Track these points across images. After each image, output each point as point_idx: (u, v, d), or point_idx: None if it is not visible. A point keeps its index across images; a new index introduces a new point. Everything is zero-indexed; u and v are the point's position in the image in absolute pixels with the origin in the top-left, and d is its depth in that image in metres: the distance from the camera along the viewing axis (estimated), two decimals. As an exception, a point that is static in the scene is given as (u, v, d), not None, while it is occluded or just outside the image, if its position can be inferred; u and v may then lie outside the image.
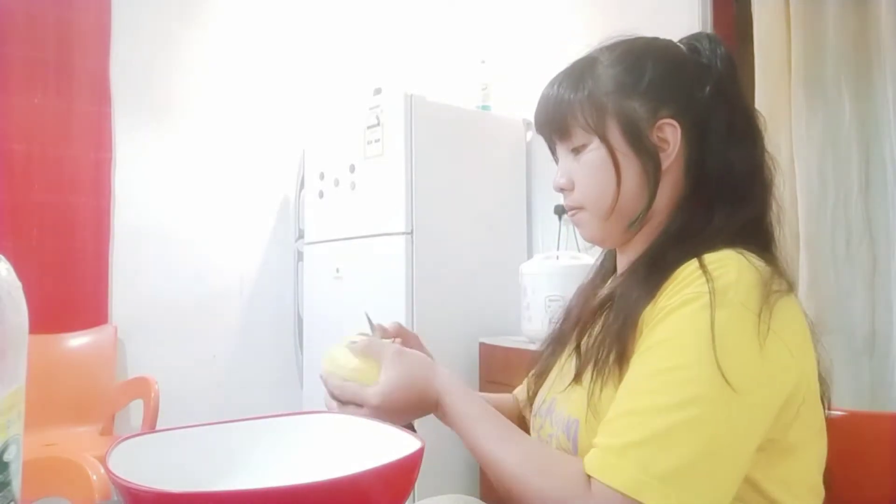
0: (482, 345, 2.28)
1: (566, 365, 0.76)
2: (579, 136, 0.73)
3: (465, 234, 2.40)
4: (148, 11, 2.81)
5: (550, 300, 1.98)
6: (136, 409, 2.41)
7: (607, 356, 0.66)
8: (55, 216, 2.55)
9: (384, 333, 0.86)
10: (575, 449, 0.68)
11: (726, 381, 0.56)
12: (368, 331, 0.85)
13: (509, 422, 0.69)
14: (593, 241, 0.78)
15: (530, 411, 0.84)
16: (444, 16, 3.13)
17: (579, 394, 0.69)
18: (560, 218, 2.42)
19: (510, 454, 0.65)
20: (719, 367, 0.57)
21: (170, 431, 0.63)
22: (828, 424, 0.69)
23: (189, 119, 2.93)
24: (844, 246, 1.68)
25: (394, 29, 3.24)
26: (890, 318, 1.61)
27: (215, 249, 2.96)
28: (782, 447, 0.62)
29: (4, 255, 0.45)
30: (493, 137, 2.54)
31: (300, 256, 2.97)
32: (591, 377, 0.66)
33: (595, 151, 0.72)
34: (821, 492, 0.67)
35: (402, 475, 0.53)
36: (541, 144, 0.82)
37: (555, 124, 0.76)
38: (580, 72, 0.74)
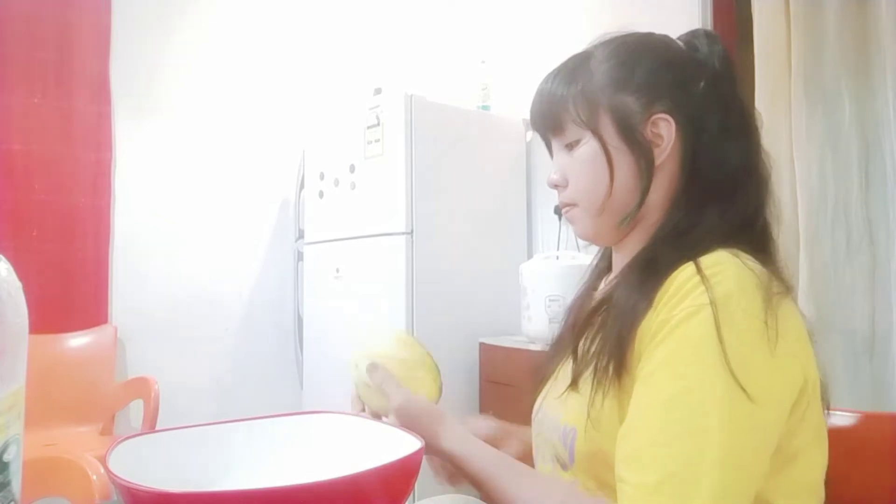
0: (482, 345, 2.28)
1: (562, 370, 0.75)
2: (573, 132, 0.73)
3: (465, 234, 2.40)
4: (148, 11, 2.81)
5: (550, 300, 1.98)
6: (136, 409, 2.41)
7: (606, 366, 0.64)
8: (55, 216, 2.55)
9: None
10: (571, 458, 0.67)
11: (745, 392, 0.55)
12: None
13: (527, 466, 0.69)
14: (586, 238, 0.77)
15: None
16: (444, 16, 3.13)
17: (576, 400, 0.67)
18: (560, 218, 2.42)
19: (533, 497, 0.64)
20: (736, 379, 0.55)
21: (170, 431, 0.63)
22: (828, 425, 0.68)
23: (189, 119, 2.92)
24: (844, 246, 1.68)
25: (394, 29, 3.24)
26: (890, 318, 1.61)
27: (215, 249, 2.96)
28: (787, 454, 0.61)
29: (4, 255, 0.45)
30: (493, 137, 2.54)
31: (300, 256, 2.97)
32: (592, 386, 0.65)
33: (588, 146, 0.72)
34: (822, 495, 0.66)
35: (402, 475, 0.53)
36: (541, 144, 0.82)
37: (548, 120, 0.75)
38: (574, 67, 0.74)
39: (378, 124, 2.35)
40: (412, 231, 2.25)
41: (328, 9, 3.26)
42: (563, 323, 0.85)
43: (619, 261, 0.77)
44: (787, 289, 0.63)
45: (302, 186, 2.90)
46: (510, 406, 0.94)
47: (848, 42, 1.69)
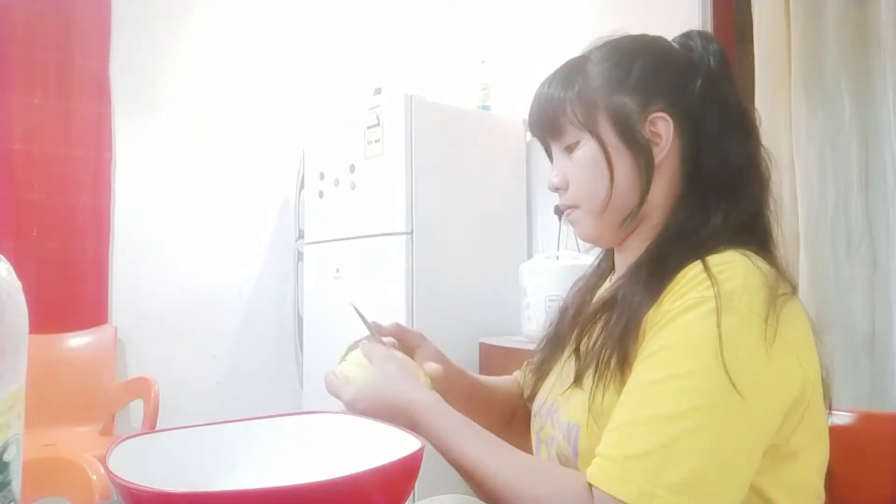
0: (482, 345, 2.28)
1: (566, 366, 0.75)
2: (571, 134, 0.73)
3: (465, 234, 2.40)
4: (148, 11, 2.81)
5: (550, 300, 1.98)
6: (136, 409, 2.41)
7: (609, 360, 0.64)
8: (55, 216, 2.55)
9: (380, 330, 0.85)
10: (575, 454, 0.67)
11: (734, 387, 0.55)
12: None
13: (499, 439, 0.66)
14: (589, 240, 0.77)
15: (531, 408, 0.83)
16: (444, 16, 3.13)
17: (580, 397, 0.68)
18: (560, 218, 2.41)
19: (502, 465, 0.62)
20: (727, 373, 0.56)
21: (170, 431, 0.63)
22: (829, 425, 0.68)
23: (189, 119, 2.92)
24: (844, 246, 1.68)
25: (394, 29, 3.24)
26: (890, 318, 1.61)
27: (215, 249, 2.96)
28: (786, 452, 0.62)
29: (4, 255, 0.45)
30: (493, 137, 2.54)
31: (300, 256, 2.97)
32: (593, 381, 0.65)
33: (587, 147, 0.72)
34: (821, 495, 0.66)
35: (402, 475, 0.53)
36: (540, 145, 0.82)
37: (547, 123, 0.76)
38: (570, 71, 0.75)
39: (378, 124, 2.35)
40: (412, 231, 2.25)
41: (328, 9, 3.26)
42: (559, 319, 0.85)
43: (623, 261, 0.78)
44: (793, 289, 0.64)
45: (302, 186, 2.90)
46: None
47: (848, 42, 1.69)
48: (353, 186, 2.48)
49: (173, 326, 2.81)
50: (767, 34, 1.80)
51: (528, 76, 2.56)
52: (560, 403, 0.73)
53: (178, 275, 2.85)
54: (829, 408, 0.69)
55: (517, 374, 0.95)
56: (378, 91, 2.42)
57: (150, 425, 2.10)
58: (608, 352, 0.65)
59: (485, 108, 2.63)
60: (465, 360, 2.28)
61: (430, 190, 2.28)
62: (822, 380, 0.67)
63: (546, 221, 2.56)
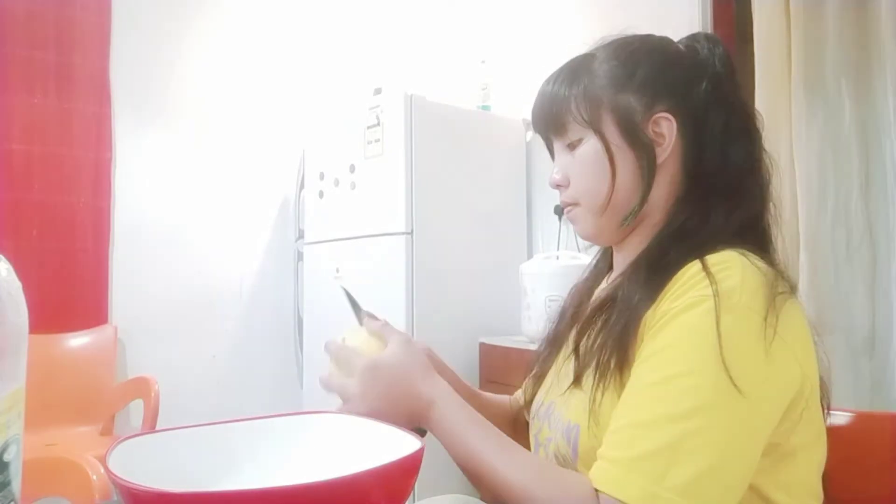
0: (482, 345, 2.28)
1: (564, 367, 0.75)
2: (574, 131, 0.73)
3: (465, 234, 2.40)
4: (148, 11, 2.81)
5: (550, 300, 1.98)
6: (136, 409, 2.41)
7: (608, 361, 0.64)
8: (55, 216, 2.55)
9: (373, 319, 0.84)
10: (575, 455, 0.67)
11: (735, 385, 0.55)
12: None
13: (506, 436, 0.67)
14: (588, 238, 0.77)
15: (529, 413, 0.83)
16: (444, 16, 3.13)
17: (579, 398, 0.68)
18: (560, 218, 2.42)
19: (511, 465, 0.63)
20: (727, 372, 0.56)
21: (170, 431, 0.63)
22: (828, 425, 0.68)
23: (189, 119, 2.92)
24: (844, 246, 1.68)
25: (394, 29, 3.24)
26: (890, 318, 1.61)
27: (215, 249, 2.96)
28: (784, 451, 0.62)
29: (4, 255, 0.45)
30: (493, 137, 2.54)
31: (300, 256, 2.97)
32: (593, 382, 0.65)
33: (590, 145, 0.72)
34: (820, 494, 0.66)
35: (402, 475, 0.53)
36: (541, 145, 0.82)
37: (550, 120, 0.75)
38: (575, 68, 0.74)
39: (378, 124, 2.35)
40: (412, 231, 2.25)
41: (328, 9, 3.26)
42: (558, 319, 0.85)
43: (621, 260, 0.77)
44: (792, 289, 0.64)
45: (302, 186, 2.90)
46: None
47: (848, 42, 1.69)
48: (353, 186, 2.48)
49: (173, 326, 2.81)
50: (767, 34, 1.80)
51: (528, 76, 2.56)
52: (558, 404, 0.73)
53: (178, 275, 2.85)
54: (829, 407, 0.69)
55: (516, 393, 0.94)
56: (378, 91, 2.42)
57: (150, 425, 2.10)
58: (608, 352, 0.65)
59: (485, 108, 2.63)
60: (465, 360, 2.28)
61: (430, 190, 2.28)
62: (821, 379, 0.67)
63: (546, 221, 2.56)
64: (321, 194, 2.68)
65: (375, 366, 0.72)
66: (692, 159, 0.71)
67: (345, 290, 0.86)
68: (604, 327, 0.68)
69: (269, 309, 3.08)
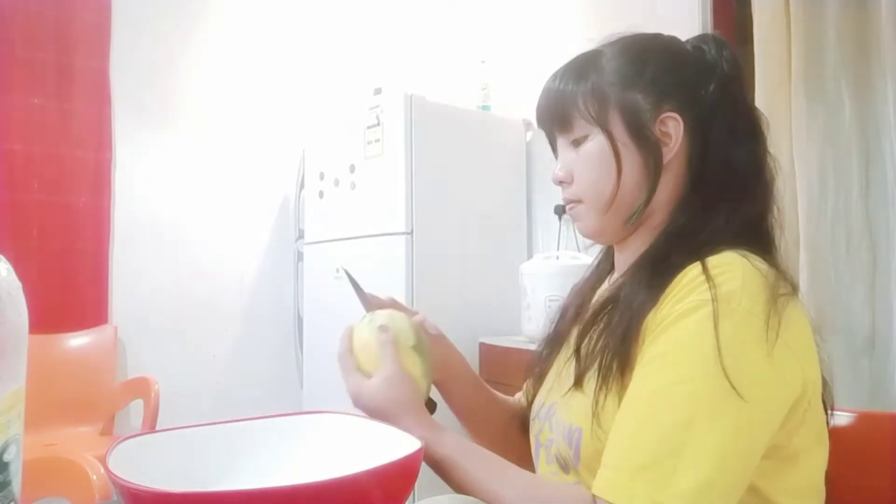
0: (482, 345, 2.28)
1: (565, 368, 0.74)
2: (581, 127, 0.72)
3: (465, 234, 2.40)
4: (148, 11, 2.81)
5: (550, 300, 1.98)
6: (136, 409, 2.41)
7: (610, 363, 0.64)
8: (55, 216, 2.55)
9: (377, 302, 0.84)
10: (577, 458, 0.67)
11: (735, 390, 0.55)
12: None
13: (499, 457, 0.67)
14: (590, 236, 0.77)
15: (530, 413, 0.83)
16: (444, 16, 3.13)
17: (581, 400, 0.67)
18: (560, 218, 2.42)
19: (503, 488, 0.63)
20: (727, 377, 0.55)
21: (170, 431, 0.63)
22: (828, 425, 0.68)
23: (189, 119, 2.93)
24: (844, 246, 1.68)
25: (394, 29, 3.24)
26: (890, 318, 1.61)
27: (215, 249, 2.96)
28: (786, 453, 0.61)
29: (4, 255, 0.45)
30: (493, 137, 2.54)
31: (300, 256, 2.97)
32: (595, 385, 0.65)
33: (596, 142, 0.71)
34: (822, 495, 0.66)
35: (401, 475, 0.53)
36: (541, 145, 0.82)
37: (556, 116, 0.75)
38: (583, 64, 0.74)
39: (378, 124, 2.35)
40: (412, 231, 2.25)
41: (328, 9, 3.26)
42: (558, 319, 0.84)
43: (623, 260, 0.77)
44: (794, 290, 0.63)
45: (302, 186, 2.90)
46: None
47: (848, 42, 1.69)
48: (353, 186, 2.48)
49: (173, 326, 2.81)
50: (767, 34, 1.80)
51: (528, 76, 2.56)
52: (559, 406, 0.72)
53: (178, 275, 2.85)
54: (831, 408, 0.69)
55: (519, 394, 0.93)
56: (378, 91, 2.42)
57: (150, 425, 2.10)
58: (609, 355, 0.65)
59: (485, 108, 2.63)
60: (465, 360, 2.28)
61: (430, 190, 2.28)
62: (823, 380, 0.67)
63: (546, 221, 2.56)
64: (321, 194, 2.68)
65: (393, 379, 0.72)
66: (697, 160, 0.71)
67: (347, 272, 0.85)
68: (605, 329, 0.68)
69: (269, 309, 3.08)
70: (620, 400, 0.62)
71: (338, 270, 2.54)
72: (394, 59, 3.16)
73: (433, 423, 0.70)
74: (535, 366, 0.84)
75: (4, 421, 0.42)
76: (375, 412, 0.70)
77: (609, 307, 0.70)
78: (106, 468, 0.50)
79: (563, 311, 0.84)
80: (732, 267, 0.61)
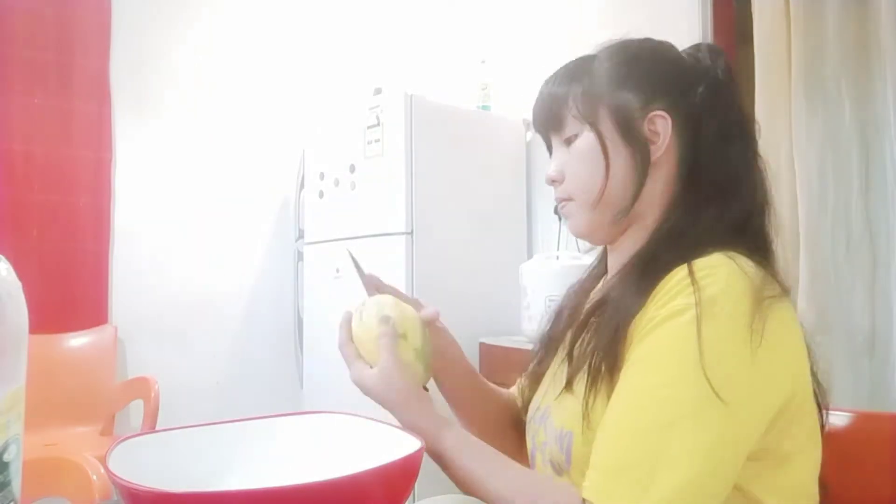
0: (482, 345, 2.28)
1: (559, 371, 0.74)
2: (572, 126, 0.74)
3: (465, 234, 2.40)
4: (148, 11, 2.81)
5: (550, 300, 1.98)
6: (136, 409, 2.40)
7: (599, 365, 0.65)
8: (55, 216, 2.55)
9: (378, 284, 0.84)
10: (568, 461, 0.67)
11: (716, 393, 0.56)
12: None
13: (495, 451, 0.67)
14: (580, 235, 0.77)
15: (526, 416, 0.83)
16: (444, 16, 3.13)
17: (571, 403, 0.68)
18: (560, 218, 2.41)
19: (497, 482, 0.64)
20: (708, 381, 0.56)
21: (170, 431, 0.63)
22: (827, 425, 0.68)
23: (189, 119, 2.93)
24: (844, 246, 1.68)
25: (394, 29, 3.24)
26: (890, 318, 1.61)
27: (215, 249, 2.96)
28: (777, 456, 0.62)
29: (4, 255, 0.45)
30: (493, 137, 2.54)
31: (300, 256, 2.97)
32: (585, 387, 0.65)
33: (585, 139, 0.73)
34: (814, 497, 0.66)
35: (402, 475, 0.53)
36: (541, 145, 0.82)
37: (549, 117, 0.76)
38: (576, 68, 0.76)
39: (378, 124, 2.35)
40: (412, 231, 2.25)
41: (328, 9, 3.26)
42: (552, 321, 0.85)
43: (615, 261, 0.78)
44: (784, 291, 0.63)
45: (302, 186, 2.90)
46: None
47: (848, 43, 1.69)
48: (353, 186, 2.48)
49: (173, 326, 2.81)
50: (767, 35, 1.80)
51: (528, 76, 2.56)
52: (552, 409, 0.73)
53: (178, 275, 2.85)
54: (827, 408, 0.69)
55: (513, 389, 0.94)
56: (378, 91, 2.42)
57: (150, 425, 2.10)
58: (598, 357, 0.65)
59: (485, 108, 2.63)
60: (465, 360, 2.28)
61: (430, 190, 2.28)
62: (817, 381, 0.67)
63: (546, 221, 2.56)
64: (321, 194, 2.68)
65: (390, 370, 0.71)
66: (687, 161, 0.71)
67: (350, 253, 0.85)
68: (595, 331, 0.69)
69: (269, 309, 3.08)
70: (608, 401, 0.63)
71: (337, 272, 2.54)
72: (394, 59, 3.16)
73: (434, 415, 0.70)
74: (531, 367, 0.85)
75: (4, 421, 0.42)
76: (377, 402, 0.71)
77: (599, 309, 0.70)
78: (106, 468, 0.50)
79: (558, 314, 0.85)
80: (717, 269, 0.61)
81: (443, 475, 0.68)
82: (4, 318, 0.42)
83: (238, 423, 0.67)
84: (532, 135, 2.59)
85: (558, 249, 2.35)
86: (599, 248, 0.85)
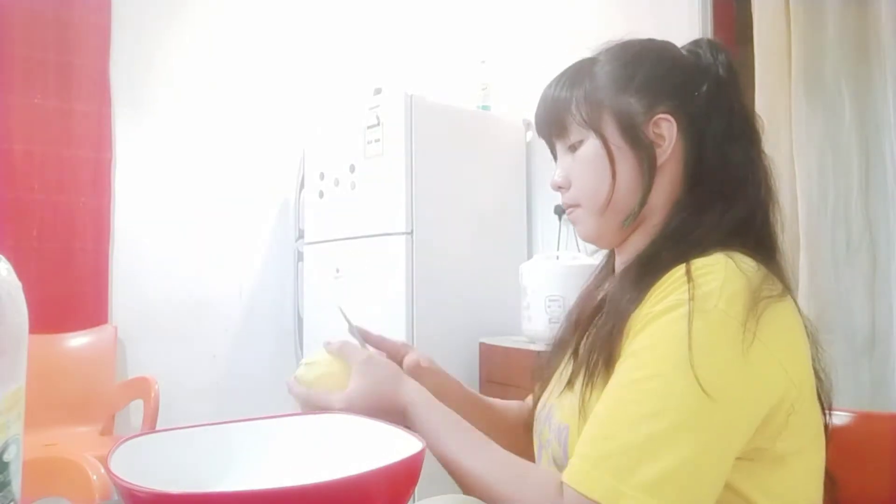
0: (482, 345, 2.28)
1: (565, 370, 0.75)
2: (576, 133, 0.74)
3: (465, 234, 2.40)
4: (148, 11, 2.81)
5: (550, 300, 1.98)
6: (136, 409, 2.41)
7: (596, 361, 0.65)
8: (55, 216, 2.55)
9: (366, 337, 0.86)
10: (566, 455, 0.67)
11: (702, 389, 0.56)
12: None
13: (480, 433, 0.68)
14: (589, 240, 0.78)
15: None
16: (444, 16, 3.13)
17: (570, 399, 0.68)
18: (560, 218, 2.42)
19: (479, 464, 0.64)
20: (695, 376, 0.56)
21: (173, 431, 0.63)
22: (827, 426, 0.68)
23: (189, 119, 2.93)
24: (844, 246, 1.68)
25: (394, 29, 3.24)
26: (890, 318, 1.61)
27: (215, 249, 2.96)
28: (771, 457, 0.61)
29: (4, 255, 0.45)
30: (493, 137, 2.54)
31: (300, 256, 2.97)
32: (582, 382, 0.66)
33: (590, 146, 0.73)
34: (815, 500, 0.65)
35: (405, 475, 0.53)
36: (541, 145, 0.82)
37: (552, 123, 0.76)
38: (577, 72, 0.75)
39: (378, 124, 2.35)
40: (412, 231, 2.25)
41: (328, 9, 3.26)
42: (564, 325, 0.85)
43: (621, 262, 0.78)
44: (785, 290, 0.63)
45: (302, 186, 2.90)
46: (510, 406, 0.94)
47: (848, 42, 1.69)
48: (353, 186, 2.48)
49: (173, 326, 2.81)
50: (767, 34, 1.80)
51: (528, 76, 2.56)
52: (555, 407, 0.73)
53: (178, 275, 2.85)
54: (830, 408, 0.69)
55: (529, 397, 0.94)
56: (378, 91, 2.42)
57: (150, 425, 2.10)
58: (596, 353, 0.66)
59: (485, 108, 2.63)
60: (465, 360, 2.28)
61: (430, 190, 2.28)
62: (820, 381, 0.67)
63: (546, 221, 2.56)
64: (321, 194, 2.68)
65: (370, 360, 0.75)
66: (692, 162, 0.71)
67: (341, 309, 0.87)
68: (595, 329, 0.69)
69: (269, 309, 3.08)
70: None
71: (337, 271, 2.54)
72: (394, 59, 3.16)
73: (425, 392, 0.73)
74: (541, 371, 0.85)
75: (4, 421, 0.42)
76: (374, 400, 0.71)
77: (602, 309, 0.71)
78: (106, 468, 0.50)
79: (568, 317, 0.85)
80: (715, 267, 0.61)
81: (443, 476, 0.68)
82: (4, 318, 0.42)
83: (240, 424, 0.67)
84: (532, 135, 2.59)
85: (558, 249, 2.35)
86: (606, 250, 0.86)
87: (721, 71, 0.72)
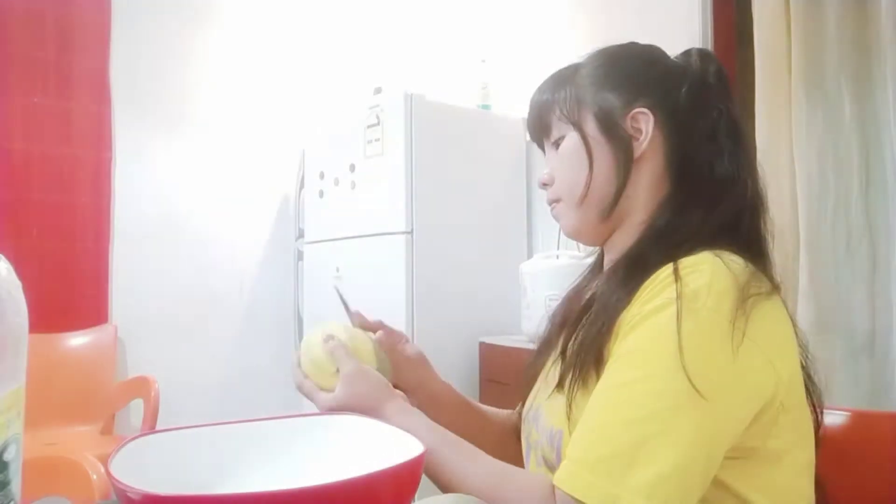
0: (482, 344, 2.28)
1: (551, 370, 0.75)
2: (558, 129, 0.76)
3: (465, 234, 2.40)
4: (148, 11, 2.81)
5: (550, 300, 1.98)
6: (137, 409, 2.41)
7: (584, 362, 0.65)
8: (55, 216, 2.55)
9: (362, 321, 0.86)
10: (558, 459, 0.67)
11: (695, 388, 0.56)
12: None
13: (468, 444, 0.68)
14: (571, 235, 0.79)
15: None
16: (444, 16, 3.13)
17: (561, 402, 0.68)
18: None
19: (471, 473, 0.64)
20: (687, 375, 0.56)
21: (173, 431, 0.63)
22: (827, 425, 0.68)
23: (189, 118, 2.93)
24: (844, 246, 1.68)
25: (394, 29, 3.24)
26: (890, 318, 1.61)
27: (215, 249, 2.96)
28: (763, 455, 0.61)
29: (4, 255, 0.45)
30: (493, 137, 2.54)
31: (300, 256, 2.97)
32: (571, 384, 0.66)
33: (570, 140, 0.75)
34: (808, 496, 0.66)
35: (410, 475, 0.53)
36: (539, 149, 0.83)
37: (539, 124, 0.79)
38: (560, 76, 0.78)
39: (378, 124, 2.35)
40: (412, 231, 2.25)
41: (328, 9, 3.26)
42: (549, 324, 0.85)
43: (609, 260, 0.78)
44: (773, 288, 0.64)
45: (302, 186, 2.90)
46: (510, 405, 0.94)
47: (848, 42, 1.69)
48: (353, 186, 2.48)
49: (173, 325, 2.81)
50: (767, 34, 1.80)
51: (528, 76, 2.55)
52: (544, 408, 0.73)
53: (178, 274, 2.85)
54: (820, 408, 0.69)
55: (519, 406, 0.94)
56: (378, 90, 2.42)
57: (150, 425, 2.10)
58: (584, 354, 0.66)
59: (485, 107, 2.63)
60: (465, 359, 2.28)
61: (430, 190, 2.28)
62: (810, 380, 0.67)
63: (546, 221, 2.55)
64: (321, 194, 2.68)
65: (358, 374, 0.75)
66: (676, 160, 0.72)
67: (337, 289, 0.87)
68: (583, 329, 0.69)
69: (269, 308, 3.08)
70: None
71: (337, 271, 2.54)
72: (394, 59, 3.16)
73: (409, 410, 0.73)
74: (528, 371, 0.85)
75: (4, 421, 0.42)
76: (357, 411, 0.71)
77: (589, 308, 0.71)
78: (107, 469, 0.50)
79: (553, 316, 0.85)
80: (702, 266, 0.61)
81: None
82: (4, 318, 0.42)
83: (240, 425, 0.67)
84: (532, 134, 2.59)
85: (558, 249, 2.35)
86: (599, 249, 0.85)
87: (709, 78, 0.74)
